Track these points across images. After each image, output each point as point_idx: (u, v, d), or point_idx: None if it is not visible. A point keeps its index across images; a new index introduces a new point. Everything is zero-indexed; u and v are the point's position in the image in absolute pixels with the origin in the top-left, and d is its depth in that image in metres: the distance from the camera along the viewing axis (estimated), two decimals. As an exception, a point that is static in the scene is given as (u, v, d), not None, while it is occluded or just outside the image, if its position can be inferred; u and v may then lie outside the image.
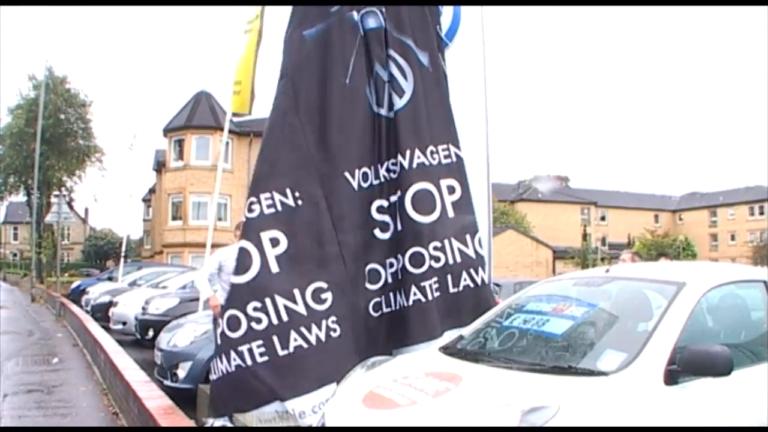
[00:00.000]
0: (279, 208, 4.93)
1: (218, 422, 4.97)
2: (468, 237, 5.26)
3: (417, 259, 5.06)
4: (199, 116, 34.26)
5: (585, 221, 61.07)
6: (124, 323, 11.78)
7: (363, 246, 5.11)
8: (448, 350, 4.14)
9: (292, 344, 4.73)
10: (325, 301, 4.87)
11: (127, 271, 19.87)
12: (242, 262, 4.86)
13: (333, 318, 4.86)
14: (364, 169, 5.15)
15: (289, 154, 5.05)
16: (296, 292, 4.81)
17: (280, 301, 4.76)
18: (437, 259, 5.11)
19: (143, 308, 10.43)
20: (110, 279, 19.86)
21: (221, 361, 4.75)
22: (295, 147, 5.05)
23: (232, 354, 4.70)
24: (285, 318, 4.74)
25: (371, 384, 3.68)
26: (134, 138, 28.71)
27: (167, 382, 6.98)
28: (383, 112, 5.27)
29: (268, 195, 4.95)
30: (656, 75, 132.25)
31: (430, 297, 5.05)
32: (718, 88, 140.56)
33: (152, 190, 45.16)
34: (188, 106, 35.21)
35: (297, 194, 4.97)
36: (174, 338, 7.29)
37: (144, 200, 49.52)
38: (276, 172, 5.05)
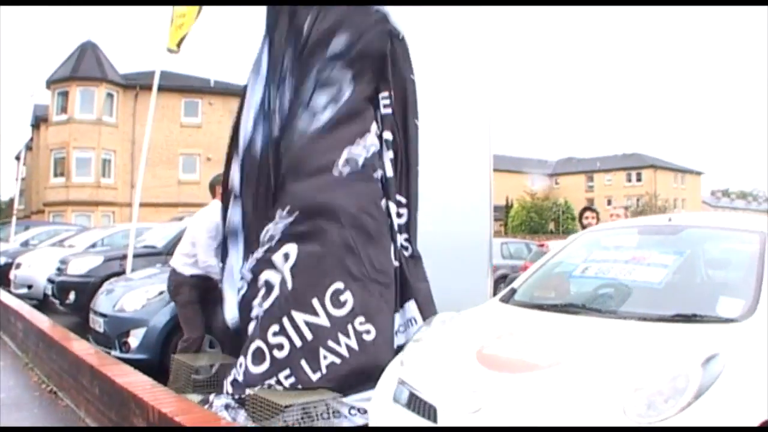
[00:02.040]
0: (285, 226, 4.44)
1: (221, 399, 4.04)
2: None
3: None
4: (84, 67, 31.46)
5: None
6: (30, 287, 10.12)
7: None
8: (523, 303, 3.78)
9: (323, 364, 4.08)
10: (345, 303, 4.24)
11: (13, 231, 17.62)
12: (264, 290, 4.40)
13: (360, 319, 4.19)
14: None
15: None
16: (315, 302, 4.15)
17: (300, 318, 4.11)
18: None
19: (59, 269, 8.89)
20: (-5, 240, 17.50)
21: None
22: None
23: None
24: (309, 337, 4.16)
25: (474, 343, 3.22)
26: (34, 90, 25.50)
27: (115, 353, 5.74)
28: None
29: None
30: (536, 40, 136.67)
31: None
32: (597, 59, 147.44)
33: (29, 147, 41.23)
34: (73, 56, 32.32)
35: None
36: (121, 301, 6.02)
37: (17, 158, 45.10)
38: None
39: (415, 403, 3.04)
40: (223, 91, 34.48)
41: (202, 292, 5.48)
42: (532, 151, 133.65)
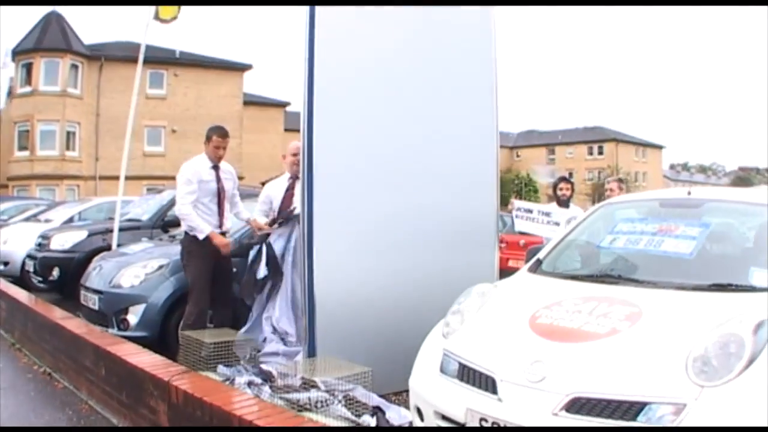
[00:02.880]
0: None
1: (242, 376, 3.84)
2: None
3: None
4: (49, 38, 30.22)
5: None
6: (6, 263, 9.59)
7: None
8: (556, 273, 3.73)
9: None
10: None
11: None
12: None
13: None
14: None
15: None
16: None
17: None
18: None
19: (40, 244, 8.43)
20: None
21: None
22: None
23: None
24: None
25: (523, 313, 3.15)
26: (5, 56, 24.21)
27: (112, 331, 5.44)
28: None
29: None
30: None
31: None
32: (559, 32, 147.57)
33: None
34: (37, 27, 30.92)
35: None
36: (118, 277, 5.69)
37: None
38: None
39: (467, 374, 2.97)
40: (189, 62, 33.54)
41: (214, 265, 5.21)
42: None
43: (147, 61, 32.14)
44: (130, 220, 8.49)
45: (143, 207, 9.12)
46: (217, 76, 34.23)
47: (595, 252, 3.93)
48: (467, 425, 2.82)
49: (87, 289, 6.03)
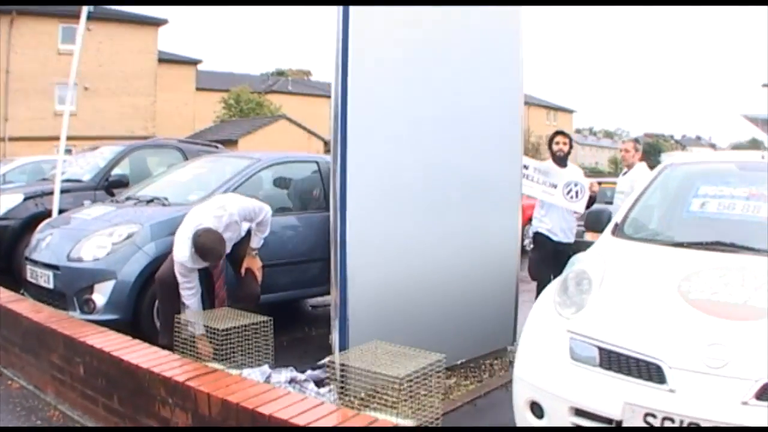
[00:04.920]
0: None
1: (281, 373, 3.01)
2: None
3: None
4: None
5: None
6: None
7: None
8: (652, 240, 3.36)
9: None
10: None
11: None
12: None
13: None
14: None
15: None
16: None
17: None
18: None
19: (-35, 211, 7.01)
20: None
21: None
22: None
23: None
24: None
25: (663, 286, 2.73)
26: None
27: (75, 314, 4.37)
28: None
29: None
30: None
31: None
32: None
33: None
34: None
35: None
36: (78, 248, 4.58)
37: None
38: None
39: (615, 361, 2.48)
40: (103, 16, 30.89)
41: None
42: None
43: (60, 15, 29.45)
44: (68, 180, 7.19)
45: (83, 165, 7.83)
46: (133, 31, 31.86)
47: (686, 216, 3.58)
48: (625, 423, 2.33)
49: (35, 263, 4.89)
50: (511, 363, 4.86)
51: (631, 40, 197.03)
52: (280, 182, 6.09)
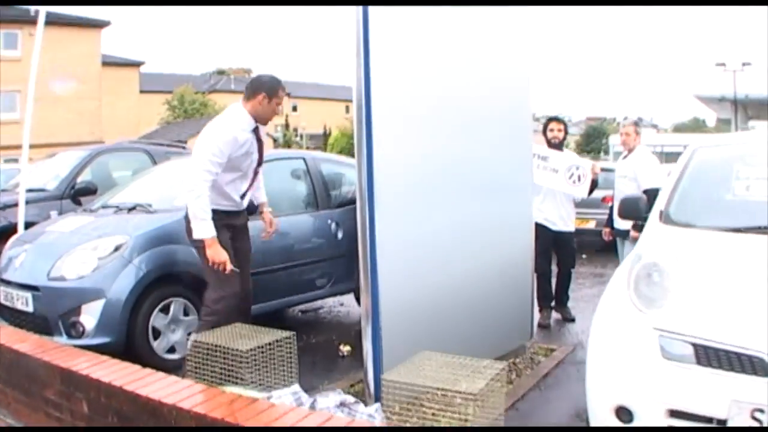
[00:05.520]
0: None
1: (328, 397, 2.66)
2: None
3: None
4: None
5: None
6: None
7: None
8: (708, 226, 3.20)
9: None
10: None
11: None
12: None
13: None
14: None
15: None
16: None
17: None
18: None
19: None
20: None
21: None
22: None
23: None
24: None
25: (752, 276, 2.60)
26: None
27: (61, 339, 3.92)
28: None
29: None
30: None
31: None
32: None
33: None
34: None
35: None
36: (59, 266, 4.10)
37: None
38: None
39: (715, 357, 2.34)
40: (45, 21, 29.56)
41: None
42: (344, 78, 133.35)
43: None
44: (30, 190, 6.60)
45: (46, 173, 7.25)
46: (75, 34, 30.65)
47: (733, 200, 3.52)
48: (730, 422, 2.23)
49: (8, 284, 4.39)
50: (533, 360, 4.73)
51: (579, 22, 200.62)
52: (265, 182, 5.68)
